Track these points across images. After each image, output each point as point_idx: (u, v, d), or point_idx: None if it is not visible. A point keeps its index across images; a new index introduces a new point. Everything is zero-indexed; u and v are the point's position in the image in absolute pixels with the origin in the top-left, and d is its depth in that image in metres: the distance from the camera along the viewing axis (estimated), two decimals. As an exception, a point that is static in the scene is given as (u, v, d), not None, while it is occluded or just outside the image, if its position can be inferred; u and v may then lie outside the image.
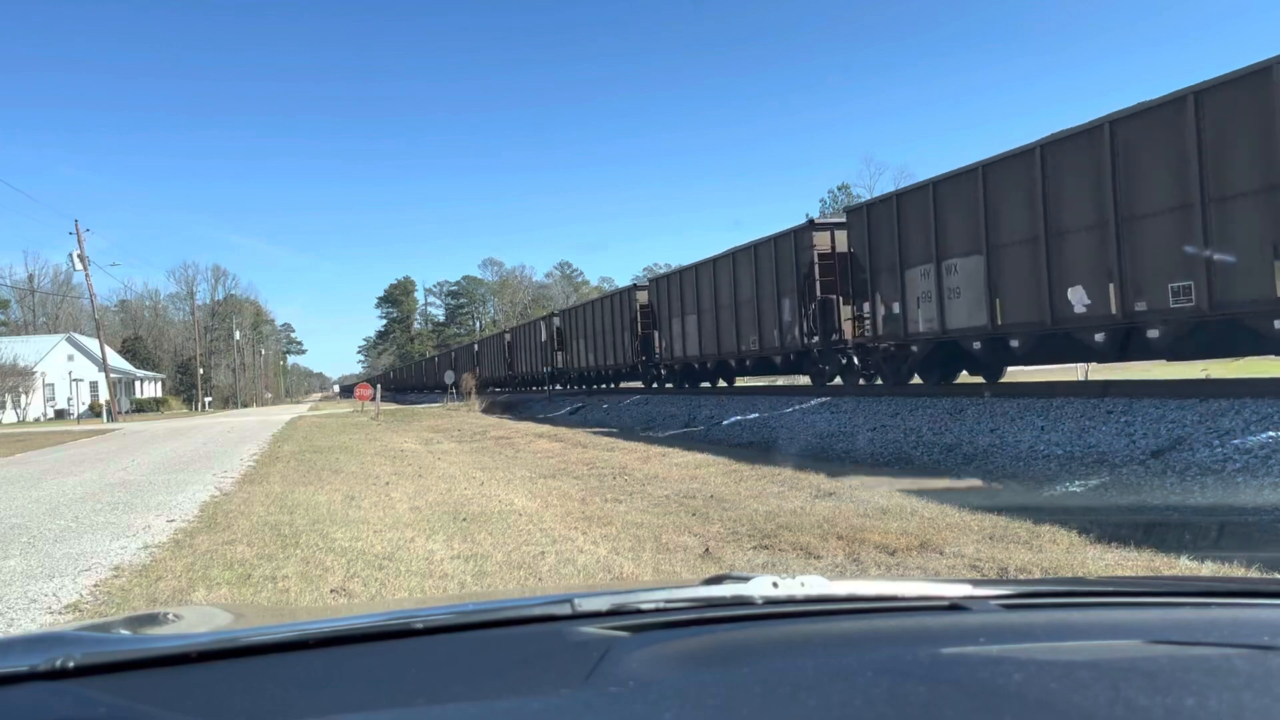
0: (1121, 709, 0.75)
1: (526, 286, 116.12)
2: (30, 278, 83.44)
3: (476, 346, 55.51)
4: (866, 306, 14.58)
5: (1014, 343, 11.67)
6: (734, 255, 19.26)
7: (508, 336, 44.15)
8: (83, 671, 0.90)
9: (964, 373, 14.22)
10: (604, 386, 29.83)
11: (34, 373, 60.17)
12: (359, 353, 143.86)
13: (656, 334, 24.29)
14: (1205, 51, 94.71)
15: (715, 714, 0.78)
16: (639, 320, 25.28)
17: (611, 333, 27.37)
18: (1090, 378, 13.64)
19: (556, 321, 34.57)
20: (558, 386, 34.81)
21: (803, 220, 17.08)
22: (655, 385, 25.16)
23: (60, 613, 5.10)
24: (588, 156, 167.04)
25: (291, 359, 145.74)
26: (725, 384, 22.14)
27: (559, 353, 33.41)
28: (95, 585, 5.71)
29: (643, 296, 25.57)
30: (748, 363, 19.37)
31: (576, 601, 1.07)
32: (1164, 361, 10.76)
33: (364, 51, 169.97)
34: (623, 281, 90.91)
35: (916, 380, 14.20)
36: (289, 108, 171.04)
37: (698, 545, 6.17)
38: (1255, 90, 8.44)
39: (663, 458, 11.96)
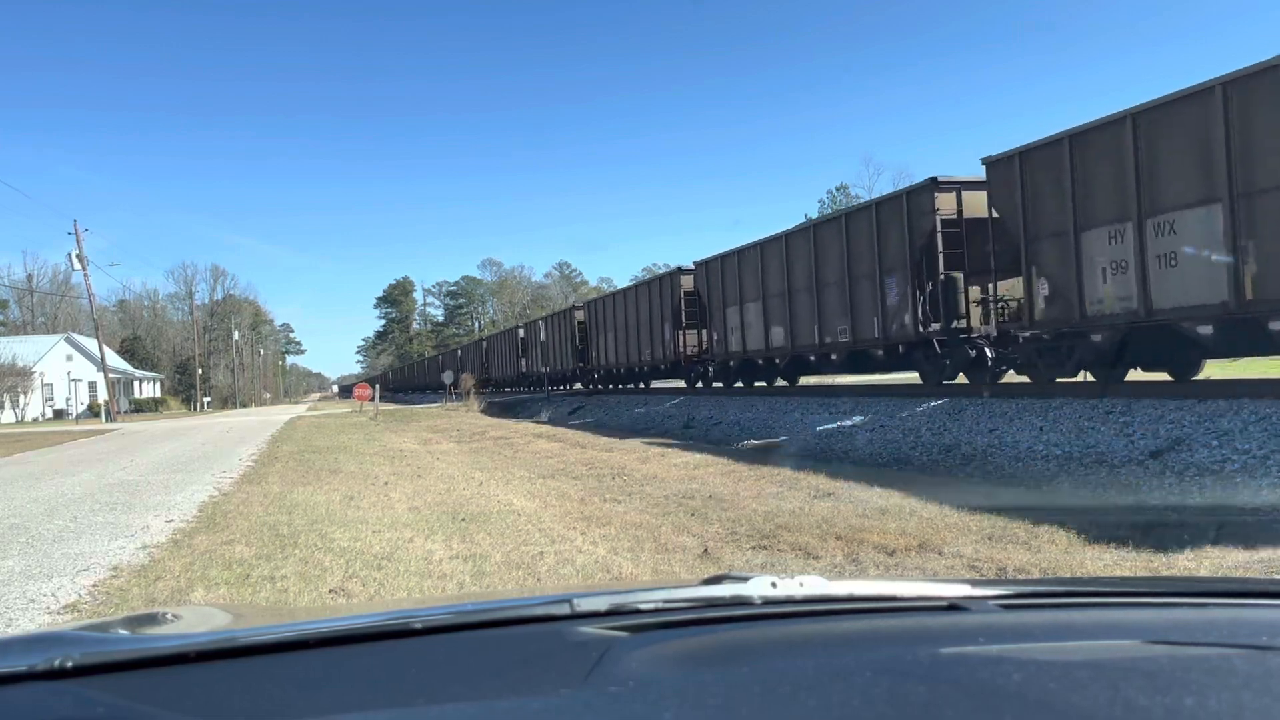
0: (1120, 709, 0.75)
1: (525, 286, 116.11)
2: (29, 278, 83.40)
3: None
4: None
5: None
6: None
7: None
8: (81, 671, 0.90)
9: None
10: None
11: (32, 373, 60.11)
12: (358, 353, 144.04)
13: (703, 326, 22.00)
14: (1206, 51, 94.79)
15: (715, 714, 0.78)
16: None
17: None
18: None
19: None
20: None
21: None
22: (700, 385, 22.81)
23: (59, 613, 5.09)
24: (587, 156, 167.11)
25: (290, 359, 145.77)
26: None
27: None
28: (94, 585, 5.71)
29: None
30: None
31: (575, 601, 1.07)
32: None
33: (364, 51, 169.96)
34: (622, 281, 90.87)
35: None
36: (289, 108, 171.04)
37: (696, 545, 6.17)
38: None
39: (661, 458, 11.96)
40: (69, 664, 0.90)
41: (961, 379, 13.95)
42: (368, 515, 7.97)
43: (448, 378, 42.88)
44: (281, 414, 43.62)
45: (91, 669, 0.91)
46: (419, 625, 1.05)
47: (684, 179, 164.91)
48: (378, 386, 36.36)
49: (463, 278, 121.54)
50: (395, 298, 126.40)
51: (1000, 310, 12.62)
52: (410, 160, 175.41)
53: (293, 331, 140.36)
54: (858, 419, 13.46)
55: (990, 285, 12.64)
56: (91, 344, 57.75)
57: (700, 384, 23.01)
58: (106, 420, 45.10)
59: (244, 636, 1.02)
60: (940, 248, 13.13)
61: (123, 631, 1.12)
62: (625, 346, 26.43)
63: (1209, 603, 1.20)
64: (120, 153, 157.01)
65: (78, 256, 46.66)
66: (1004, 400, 11.57)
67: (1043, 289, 11.28)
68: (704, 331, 21.71)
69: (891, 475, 9.53)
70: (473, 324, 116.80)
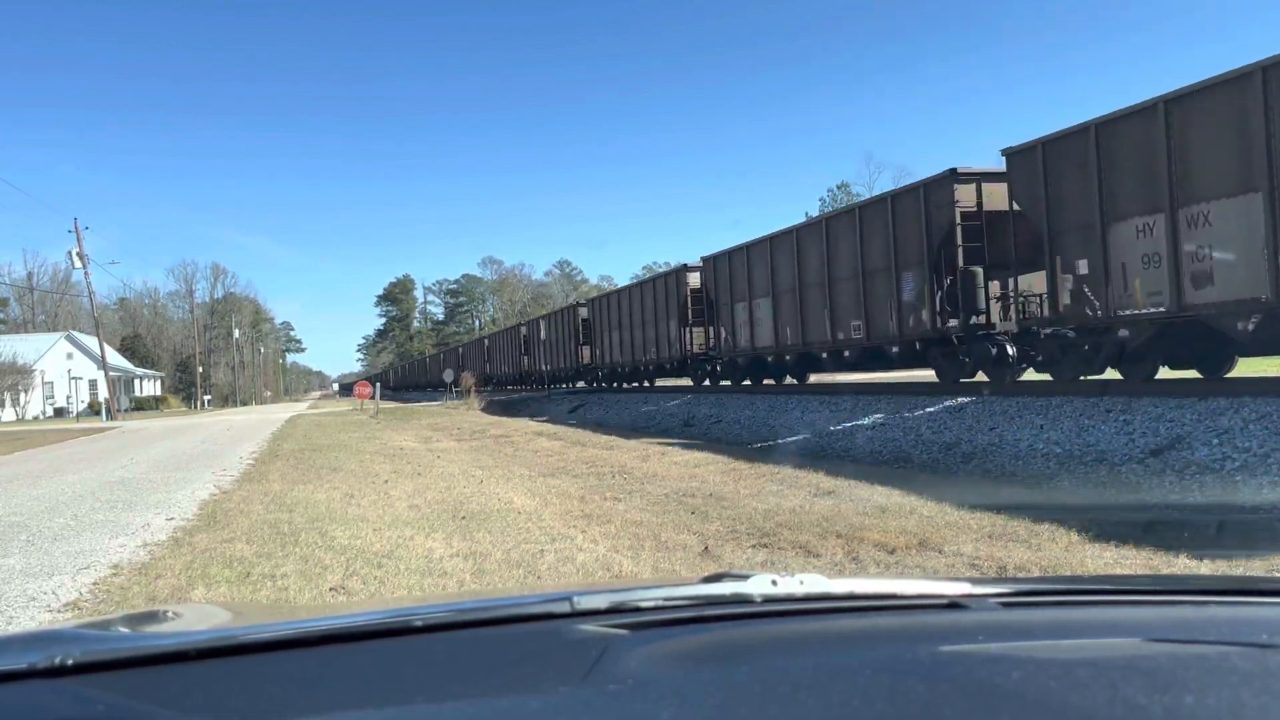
0: (1120, 707, 0.75)
1: (526, 285, 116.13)
2: (29, 276, 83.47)
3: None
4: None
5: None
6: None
7: (523, 329, 40.09)
8: (81, 669, 0.90)
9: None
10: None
11: (33, 371, 60.16)
12: (358, 351, 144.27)
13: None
14: (1204, 51, 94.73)
15: (714, 712, 0.78)
16: (689, 306, 22.03)
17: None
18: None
19: (583, 312, 30.36)
20: (580, 384, 31.61)
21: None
22: (708, 384, 22.13)
23: (59, 611, 5.10)
24: (587, 156, 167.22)
25: (291, 357, 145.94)
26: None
27: (584, 347, 29.73)
28: (94, 583, 5.71)
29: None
30: (846, 354, 15.63)
31: (575, 599, 1.07)
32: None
33: (364, 51, 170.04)
34: (622, 280, 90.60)
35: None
36: (289, 107, 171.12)
37: (697, 543, 6.17)
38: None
39: (661, 456, 11.96)
40: (69, 662, 0.90)
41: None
42: (368, 513, 7.97)
43: (448, 376, 42.84)
44: (282, 412, 43.63)
45: (91, 667, 0.91)
46: (419, 623, 1.05)
47: (684, 178, 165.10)
48: (378, 385, 36.36)
49: (463, 276, 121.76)
50: (396, 296, 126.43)
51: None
52: (410, 159, 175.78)
53: (293, 330, 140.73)
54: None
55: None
56: (92, 342, 57.76)
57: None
58: (107, 419, 45.10)
59: (244, 634, 1.02)
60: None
61: (123, 629, 1.12)
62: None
63: (1209, 601, 1.20)
64: (121, 151, 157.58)
65: (78, 254, 46.65)
66: (1004, 399, 11.56)
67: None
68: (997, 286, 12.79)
69: (892, 473, 9.53)
70: (473, 322, 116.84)
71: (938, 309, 13.11)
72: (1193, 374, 10.94)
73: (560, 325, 32.77)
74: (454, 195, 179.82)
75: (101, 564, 6.32)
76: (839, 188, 76.86)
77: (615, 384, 27.74)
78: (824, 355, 16.27)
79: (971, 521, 6.32)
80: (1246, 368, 11.70)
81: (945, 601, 1.15)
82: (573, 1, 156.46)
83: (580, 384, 31.47)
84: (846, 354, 15.58)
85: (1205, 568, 4.88)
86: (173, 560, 6.22)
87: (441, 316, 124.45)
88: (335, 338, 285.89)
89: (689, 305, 22.02)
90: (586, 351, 29.69)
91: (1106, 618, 1.14)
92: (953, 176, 12.82)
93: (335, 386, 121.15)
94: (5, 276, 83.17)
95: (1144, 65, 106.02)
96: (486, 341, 49.76)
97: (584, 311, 30.41)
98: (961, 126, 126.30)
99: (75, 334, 67.28)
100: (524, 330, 39.18)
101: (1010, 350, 12.51)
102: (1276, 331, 8.84)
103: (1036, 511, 6.39)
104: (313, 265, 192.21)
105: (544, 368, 34.71)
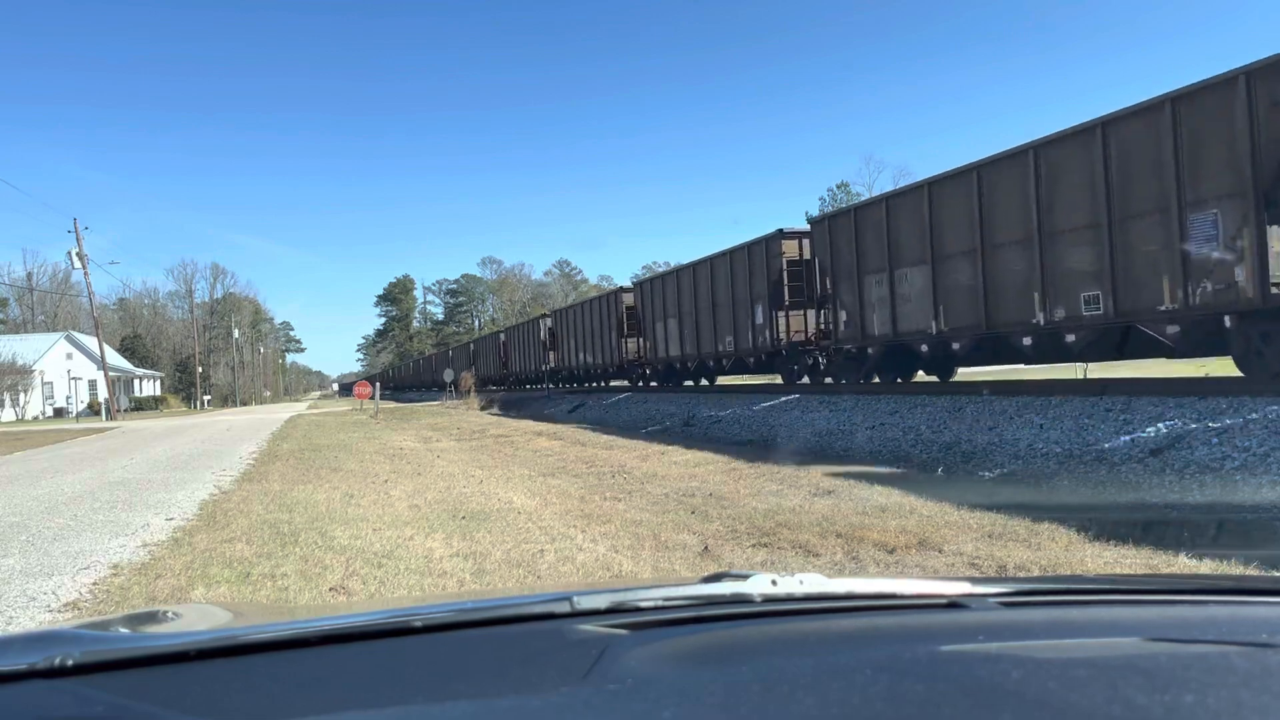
0: (1119, 707, 0.75)
1: (525, 285, 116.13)
2: (29, 276, 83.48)
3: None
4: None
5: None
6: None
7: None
8: (81, 669, 0.90)
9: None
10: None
11: (33, 371, 60.11)
12: (358, 351, 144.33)
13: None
14: (1202, 50, 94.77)
15: (714, 712, 0.78)
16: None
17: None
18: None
19: (549, 322, 35.08)
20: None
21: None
22: (640, 384, 26.03)
23: (59, 611, 5.10)
24: (587, 155, 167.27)
25: (290, 357, 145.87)
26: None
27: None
28: (94, 584, 5.71)
29: (629, 299, 26.12)
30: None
31: (576, 599, 1.07)
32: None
33: (365, 49, 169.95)
34: (622, 279, 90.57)
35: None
36: (289, 105, 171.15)
37: (697, 543, 6.17)
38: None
39: (661, 456, 11.96)
40: (69, 662, 0.90)
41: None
42: (368, 513, 7.97)
43: (448, 376, 42.81)
44: (282, 412, 43.62)
45: (91, 667, 0.91)
46: (419, 623, 1.05)
47: (682, 177, 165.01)
48: (378, 384, 36.33)
49: (463, 276, 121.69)
50: (395, 296, 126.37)
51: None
52: (410, 158, 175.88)
53: (293, 330, 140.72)
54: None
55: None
56: (91, 342, 57.74)
57: (640, 383, 25.89)
58: (106, 419, 45.10)
59: (244, 635, 1.02)
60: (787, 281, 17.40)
61: (123, 630, 1.12)
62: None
63: (1208, 600, 1.20)
64: (121, 149, 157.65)
65: (78, 254, 46.62)
66: (1004, 398, 11.57)
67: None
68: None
69: (891, 473, 9.53)
70: (473, 322, 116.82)
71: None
72: (1188, 374, 11.42)
73: (596, 315, 28.80)
74: (454, 194, 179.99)
75: (101, 564, 6.32)
76: (839, 186, 76.77)
77: (669, 383, 24.09)
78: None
79: (971, 521, 6.33)
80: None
81: (945, 601, 1.15)
82: (573, 0, 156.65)
83: (623, 383, 27.71)
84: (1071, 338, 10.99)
85: (1205, 567, 4.88)
86: (172, 560, 6.22)
87: (441, 316, 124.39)
88: (335, 338, 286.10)
89: (785, 281, 17.55)
90: (632, 344, 25.81)
91: (1106, 617, 1.14)
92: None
93: (335, 386, 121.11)
94: (5, 276, 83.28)
95: (1142, 61, 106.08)
96: (503, 336, 45.40)
97: (629, 297, 26.38)
98: (962, 124, 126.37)
99: (75, 334, 67.22)
100: (548, 322, 35.16)
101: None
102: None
103: (1036, 511, 6.39)
104: (313, 265, 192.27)
105: (574, 363, 31.13)
